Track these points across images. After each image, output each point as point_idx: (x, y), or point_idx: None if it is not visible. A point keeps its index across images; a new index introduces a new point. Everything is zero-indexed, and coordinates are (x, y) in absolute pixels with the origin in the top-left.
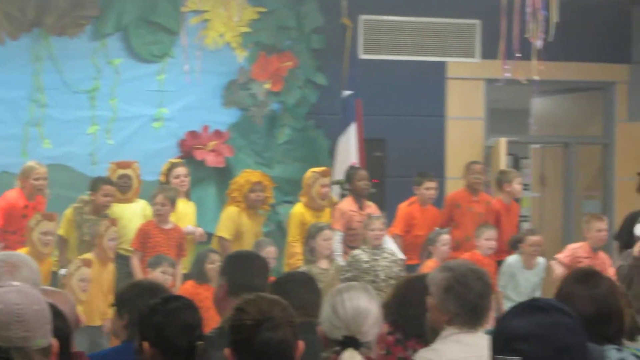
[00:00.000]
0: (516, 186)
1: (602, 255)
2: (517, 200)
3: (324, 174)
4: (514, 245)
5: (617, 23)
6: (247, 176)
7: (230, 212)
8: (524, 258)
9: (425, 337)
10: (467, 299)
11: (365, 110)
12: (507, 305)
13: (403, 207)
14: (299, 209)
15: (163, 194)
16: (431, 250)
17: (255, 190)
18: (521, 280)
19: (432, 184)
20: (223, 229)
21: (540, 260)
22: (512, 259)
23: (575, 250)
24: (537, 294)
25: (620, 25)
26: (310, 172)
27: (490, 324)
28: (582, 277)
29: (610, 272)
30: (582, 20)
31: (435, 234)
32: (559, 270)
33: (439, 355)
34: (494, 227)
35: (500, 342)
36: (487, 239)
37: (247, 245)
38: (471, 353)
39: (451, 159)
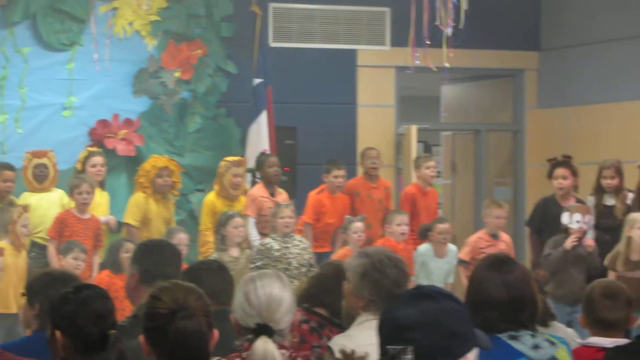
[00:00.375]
0: (424, 171)
1: (504, 238)
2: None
3: (237, 164)
4: (423, 234)
5: (527, 11)
6: (153, 162)
7: (137, 198)
8: (434, 246)
9: (341, 323)
10: (383, 286)
11: (276, 98)
12: None
13: (312, 196)
14: (210, 198)
15: (88, 183)
16: (345, 238)
17: (162, 176)
18: (433, 268)
19: (341, 172)
20: (129, 216)
21: (451, 247)
22: (423, 247)
23: (475, 243)
24: (450, 280)
25: (530, 13)
26: (224, 161)
27: None
28: (496, 264)
29: (513, 253)
30: (492, 8)
31: (348, 222)
32: (464, 279)
33: (354, 341)
34: (405, 212)
35: (390, 332)
36: (399, 225)
37: (157, 231)
38: None
39: (362, 147)
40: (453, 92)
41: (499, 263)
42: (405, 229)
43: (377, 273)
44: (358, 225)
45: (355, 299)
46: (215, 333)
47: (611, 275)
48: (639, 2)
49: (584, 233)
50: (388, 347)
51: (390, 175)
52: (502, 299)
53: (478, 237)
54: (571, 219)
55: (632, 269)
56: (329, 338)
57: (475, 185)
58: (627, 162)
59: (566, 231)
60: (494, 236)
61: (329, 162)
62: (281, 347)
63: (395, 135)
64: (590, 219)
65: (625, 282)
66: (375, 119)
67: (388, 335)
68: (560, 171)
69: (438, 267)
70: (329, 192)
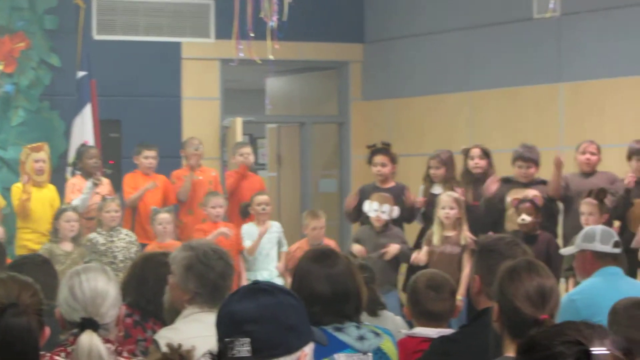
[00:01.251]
0: (239, 157)
1: (327, 243)
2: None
3: (36, 149)
4: (244, 212)
5: (351, 3)
6: None
7: None
8: (257, 221)
9: (163, 317)
10: (208, 278)
11: (100, 91)
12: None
13: (128, 175)
14: (18, 185)
15: None
16: (152, 230)
17: None
18: (260, 243)
19: (151, 153)
20: None
21: (275, 224)
22: (247, 226)
23: (294, 254)
24: (274, 253)
25: (354, 5)
26: (24, 148)
27: None
28: (319, 257)
29: None
30: (316, 0)
31: (154, 213)
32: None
33: (180, 334)
34: (220, 194)
35: (228, 326)
36: (213, 207)
37: None
38: (212, 332)
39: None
40: (278, 84)
41: (322, 256)
42: (219, 211)
43: (202, 266)
44: (163, 216)
45: (181, 292)
46: (47, 330)
47: (424, 250)
48: None
49: (385, 222)
50: (226, 339)
51: (216, 168)
52: (326, 292)
53: (298, 246)
54: (370, 207)
55: (443, 244)
56: (154, 331)
57: (301, 177)
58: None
59: (367, 219)
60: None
61: (138, 144)
62: (106, 341)
63: (220, 128)
64: (390, 208)
65: (437, 256)
66: (200, 111)
67: (226, 328)
68: (379, 158)
69: (264, 240)
70: (142, 173)
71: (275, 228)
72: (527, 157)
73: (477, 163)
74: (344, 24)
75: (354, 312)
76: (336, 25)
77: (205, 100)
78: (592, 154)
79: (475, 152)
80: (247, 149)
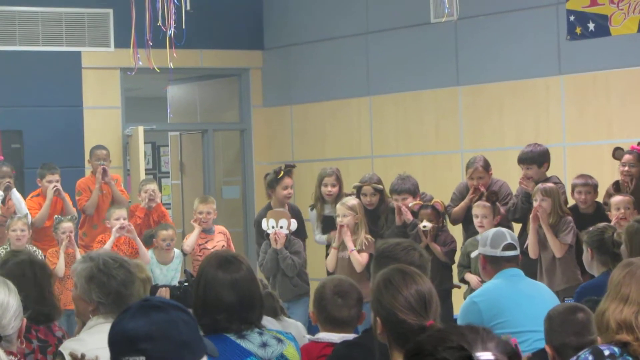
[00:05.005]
0: (143, 194)
1: (219, 230)
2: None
3: None
4: (147, 241)
5: (250, 10)
6: None
7: None
8: (157, 253)
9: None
10: (111, 287)
11: (1, 102)
12: None
13: (28, 201)
14: None
15: None
16: (56, 239)
17: None
18: (158, 275)
19: (54, 177)
20: None
21: (176, 251)
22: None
23: (192, 241)
24: (175, 282)
25: (253, 12)
26: None
27: None
28: (223, 263)
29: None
30: (215, 8)
31: (57, 222)
32: None
33: (84, 345)
34: (122, 207)
35: (121, 344)
36: (117, 219)
37: None
38: None
39: (90, 149)
40: (179, 92)
41: (226, 262)
42: (124, 222)
43: (103, 275)
44: (66, 225)
45: (84, 304)
46: None
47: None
48: (359, 1)
49: (285, 236)
50: (121, 358)
51: (119, 176)
52: (232, 300)
53: (195, 234)
54: (267, 225)
55: (343, 249)
56: (38, 339)
57: (204, 184)
58: (352, 159)
59: (267, 237)
60: (208, 231)
61: (42, 166)
62: (9, 353)
63: (122, 137)
64: (286, 223)
65: (339, 262)
66: (101, 120)
67: (120, 347)
68: (289, 181)
69: (163, 274)
70: (44, 196)
71: (177, 259)
72: (400, 189)
73: (370, 200)
74: (243, 31)
75: (257, 318)
76: (235, 32)
77: (106, 109)
78: (480, 178)
79: (367, 189)
80: (152, 186)
